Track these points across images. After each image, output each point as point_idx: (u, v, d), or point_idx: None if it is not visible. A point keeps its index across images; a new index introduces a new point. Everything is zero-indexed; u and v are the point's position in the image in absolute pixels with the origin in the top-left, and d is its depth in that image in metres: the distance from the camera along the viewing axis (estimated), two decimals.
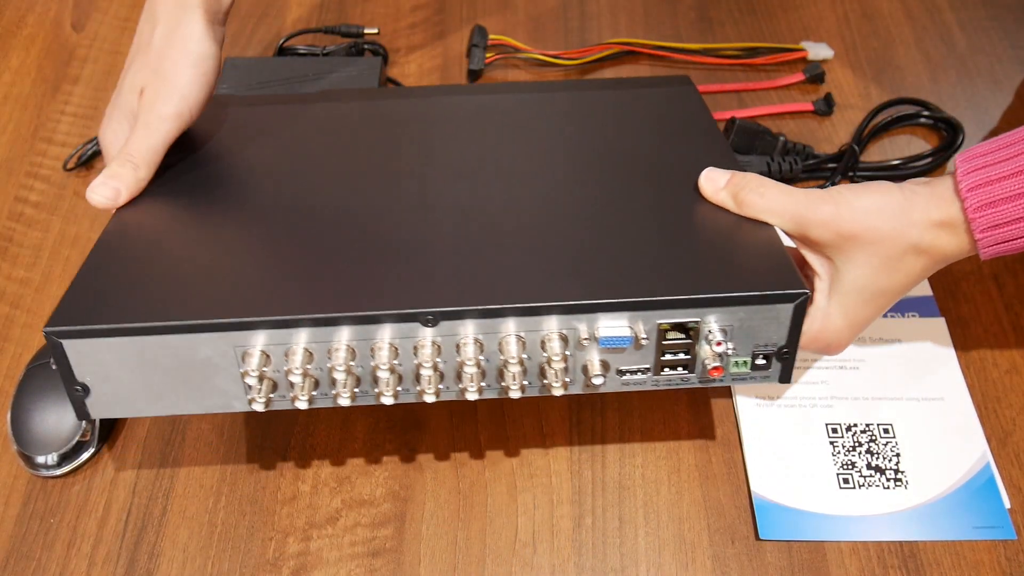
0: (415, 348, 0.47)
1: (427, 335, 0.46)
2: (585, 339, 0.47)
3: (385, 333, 0.46)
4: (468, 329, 0.46)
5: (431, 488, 0.58)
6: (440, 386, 0.49)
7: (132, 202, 0.55)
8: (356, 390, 0.48)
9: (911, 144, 0.76)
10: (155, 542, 0.56)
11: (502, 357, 0.47)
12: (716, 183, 0.53)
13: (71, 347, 0.46)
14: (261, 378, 0.47)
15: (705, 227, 0.51)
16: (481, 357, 0.47)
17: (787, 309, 0.47)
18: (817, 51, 0.81)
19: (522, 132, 0.61)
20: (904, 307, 0.65)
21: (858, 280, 0.50)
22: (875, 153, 0.75)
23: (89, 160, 0.77)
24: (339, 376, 0.47)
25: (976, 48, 0.83)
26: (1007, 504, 0.56)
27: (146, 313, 0.46)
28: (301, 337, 0.46)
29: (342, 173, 0.58)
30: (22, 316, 0.68)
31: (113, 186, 0.54)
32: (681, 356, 0.48)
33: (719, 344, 0.47)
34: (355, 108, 0.65)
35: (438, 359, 0.47)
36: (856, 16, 0.86)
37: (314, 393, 0.48)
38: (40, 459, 0.58)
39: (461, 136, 0.61)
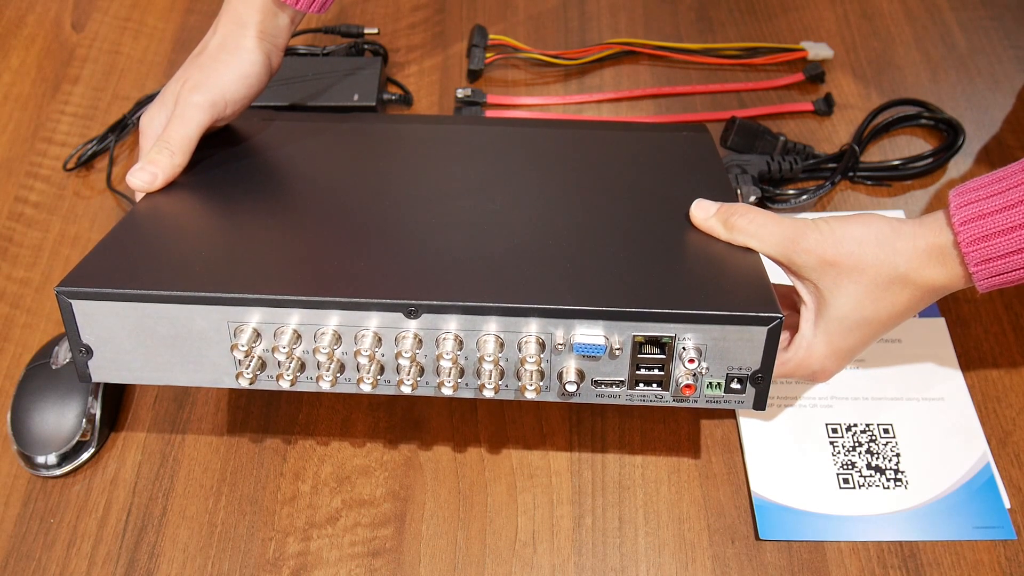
0: (396, 338, 0.48)
1: (410, 326, 0.48)
2: (560, 344, 0.48)
3: (371, 322, 0.48)
4: (450, 324, 0.48)
5: (431, 488, 0.58)
6: (418, 379, 0.50)
7: (161, 189, 0.58)
8: (339, 375, 0.50)
9: (911, 145, 0.76)
10: (155, 542, 0.56)
11: (479, 354, 0.48)
12: (707, 211, 0.54)
13: (79, 308, 0.49)
14: (250, 354, 0.49)
15: (691, 250, 0.52)
16: (459, 353, 0.49)
17: (760, 332, 0.47)
18: (817, 51, 0.81)
19: (534, 160, 0.63)
20: None
21: (842, 308, 0.50)
22: (875, 153, 0.75)
23: (89, 160, 0.77)
24: (322, 359, 0.49)
25: (976, 48, 0.83)
26: (1007, 504, 0.56)
27: (150, 282, 0.49)
28: (292, 318, 0.48)
29: (354, 182, 0.60)
30: (22, 316, 0.68)
31: (151, 171, 0.58)
32: (655, 372, 0.49)
33: (692, 361, 0.48)
34: (379, 128, 0.68)
35: (418, 351, 0.49)
36: (856, 16, 0.86)
37: (299, 374, 0.50)
38: (40, 459, 0.58)
39: (477, 160, 0.63)
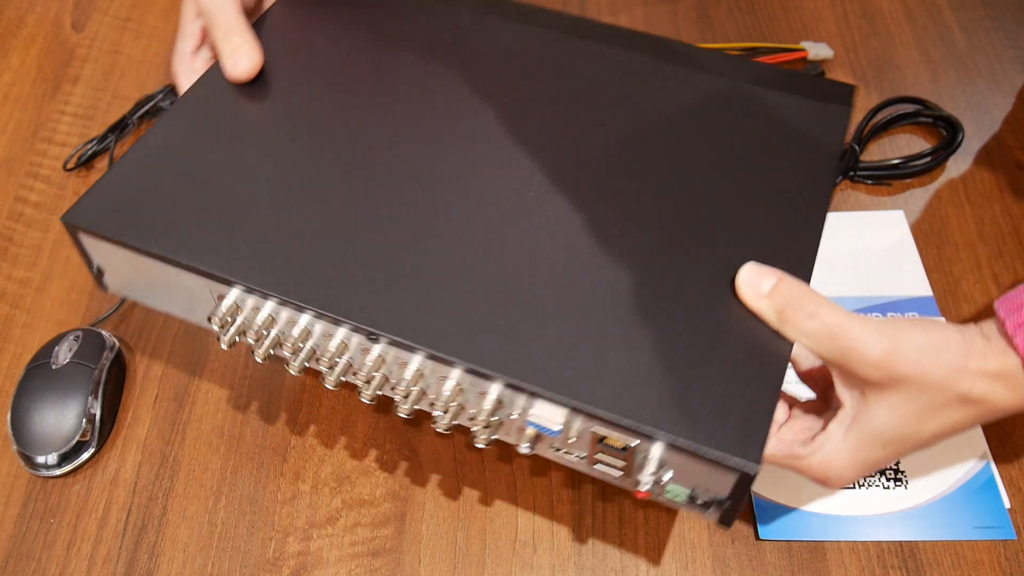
0: (362, 350, 0.47)
1: (373, 347, 0.46)
2: (516, 415, 0.45)
3: (340, 330, 0.47)
4: (413, 357, 0.46)
5: (431, 488, 0.58)
6: (378, 392, 0.48)
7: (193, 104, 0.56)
8: (307, 364, 0.49)
9: (910, 143, 0.76)
10: (155, 542, 0.56)
11: (432, 397, 0.47)
12: (757, 288, 0.45)
13: (84, 238, 0.51)
14: (226, 326, 0.49)
15: (707, 341, 0.45)
16: (415, 388, 0.47)
17: (732, 476, 0.41)
18: (817, 51, 0.81)
19: (584, 129, 0.55)
20: (904, 307, 0.65)
21: (885, 423, 0.44)
22: (874, 152, 0.75)
23: (89, 160, 0.77)
24: (287, 353, 0.49)
25: (976, 48, 0.83)
26: (1007, 504, 0.56)
27: (139, 235, 0.49)
28: (268, 304, 0.48)
29: (380, 129, 0.55)
30: (22, 316, 0.68)
31: (244, 52, 0.55)
32: (616, 460, 0.45)
33: (653, 473, 0.42)
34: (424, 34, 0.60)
35: (376, 373, 0.47)
36: (856, 16, 0.86)
37: (271, 352, 0.50)
38: (40, 459, 0.58)
39: (509, 124, 0.55)
